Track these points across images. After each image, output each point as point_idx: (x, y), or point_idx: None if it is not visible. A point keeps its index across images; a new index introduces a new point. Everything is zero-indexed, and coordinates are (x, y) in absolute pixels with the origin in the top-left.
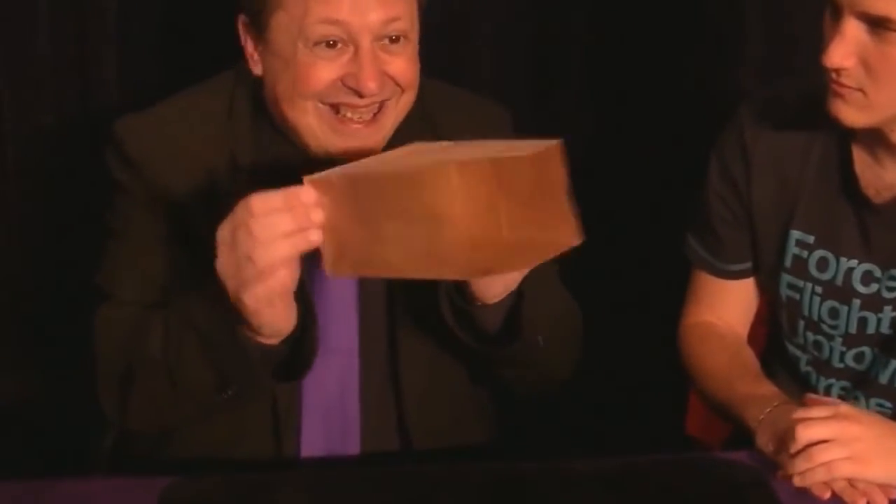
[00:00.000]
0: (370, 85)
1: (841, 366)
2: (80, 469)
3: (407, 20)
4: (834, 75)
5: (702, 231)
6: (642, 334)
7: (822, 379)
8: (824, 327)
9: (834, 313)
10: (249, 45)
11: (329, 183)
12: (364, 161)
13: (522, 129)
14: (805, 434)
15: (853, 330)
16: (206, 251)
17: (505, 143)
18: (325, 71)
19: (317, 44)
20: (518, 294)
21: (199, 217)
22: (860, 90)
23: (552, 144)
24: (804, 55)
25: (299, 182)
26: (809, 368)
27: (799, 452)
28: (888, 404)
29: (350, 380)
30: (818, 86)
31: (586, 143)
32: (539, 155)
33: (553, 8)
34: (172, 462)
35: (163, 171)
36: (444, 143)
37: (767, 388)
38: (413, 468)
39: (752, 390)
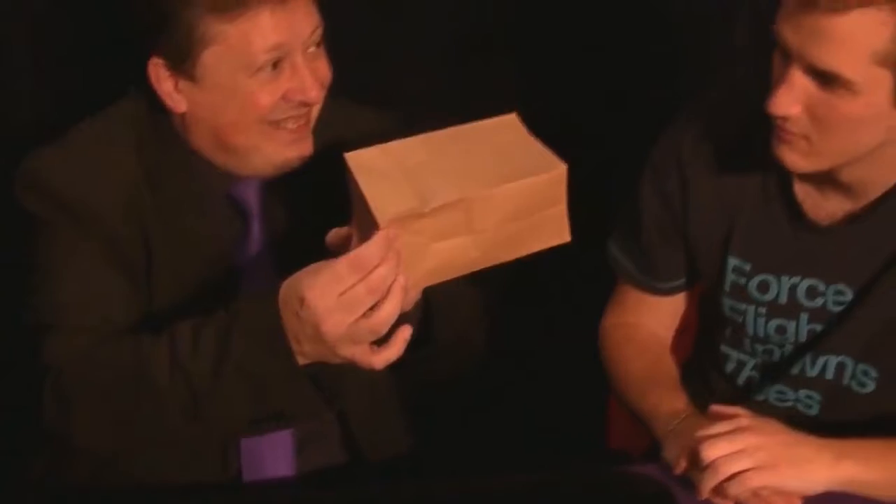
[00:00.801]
0: (313, 94)
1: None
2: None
3: (321, 25)
4: (779, 121)
5: (630, 247)
6: (567, 340)
7: (746, 370)
8: (773, 341)
9: (781, 329)
10: (167, 85)
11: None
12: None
13: None
14: (710, 451)
15: (803, 340)
16: (145, 274)
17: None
18: (270, 93)
19: (260, 69)
20: (425, 301)
21: (128, 239)
22: (805, 137)
23: (557, 171)
24: None
25: (218, 201)
26: (753, 373)
27: (706, 468)
28: (816, 395)
29: None
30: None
31: None
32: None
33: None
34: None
35: (85, 196)
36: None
37: (678, 401)
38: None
39: (663, 401)
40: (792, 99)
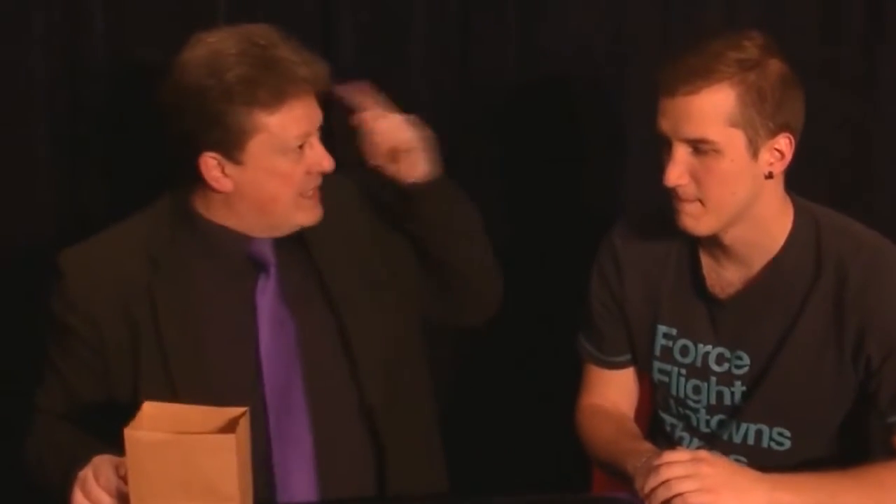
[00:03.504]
0: (328, 164)
1: (707, 430)
2: None
3: None
4: (674, 193)
5: (588, 330)
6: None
7: (695, 441)
8: (690, 402)
9: (696, 390)
10: (216, 172)
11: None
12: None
13: None
14: (666, 471)
15: (713, 401)
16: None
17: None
18: (298, 169)
19: (292, 150)
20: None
21: (120, 337)
22: (696, 201)
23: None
24: None
25: (219, 275)
26: (684, 434)
27: (661, 485)
28: (743, 459)
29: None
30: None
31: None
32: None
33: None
34: None
35: (90, 301)
36: None
37: (645, 445)
38: None
39: (632, 446)
40: (679, 171)
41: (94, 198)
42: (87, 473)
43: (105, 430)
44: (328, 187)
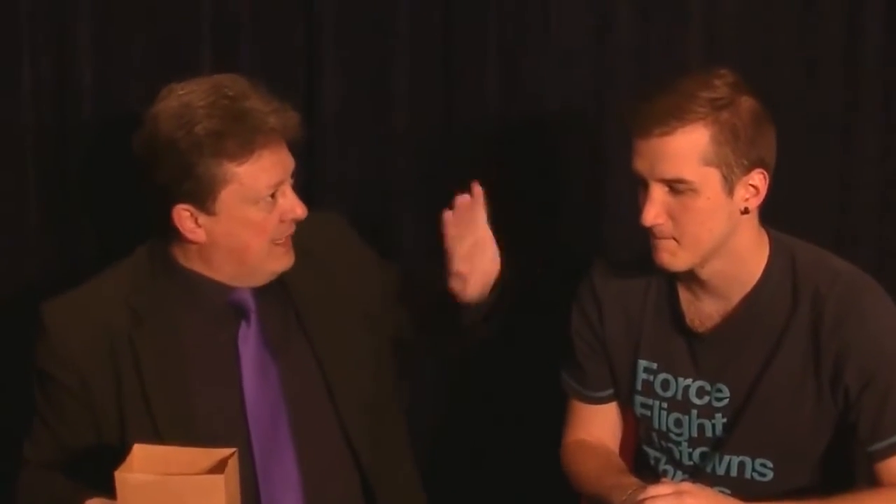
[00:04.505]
0: (301, 211)
1: (690, 463)
2: None
3: None
4: (652, 231)
5: (571, 366)
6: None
7: (679, 473)
8: (672, 435)
9: (678, 423)
10: (189, 224)
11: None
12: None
13: None
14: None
15: (694, 434)
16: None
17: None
18: (271, 218)
19: (264, 200)
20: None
21: (104, 386)
22: (673, 239)
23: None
24: None
25: (202, 318)
26: (668, 467)
27: None
28: (727, 490)
29: (285, 456)
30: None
31: None
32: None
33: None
34: None
35: (72, 352)
36: None
37: (630, 479)
38: None
39: (618, 481)
40: (656, 211)
41: (83, 249)
42: None
43: (94, 477)
44: (314, 225)
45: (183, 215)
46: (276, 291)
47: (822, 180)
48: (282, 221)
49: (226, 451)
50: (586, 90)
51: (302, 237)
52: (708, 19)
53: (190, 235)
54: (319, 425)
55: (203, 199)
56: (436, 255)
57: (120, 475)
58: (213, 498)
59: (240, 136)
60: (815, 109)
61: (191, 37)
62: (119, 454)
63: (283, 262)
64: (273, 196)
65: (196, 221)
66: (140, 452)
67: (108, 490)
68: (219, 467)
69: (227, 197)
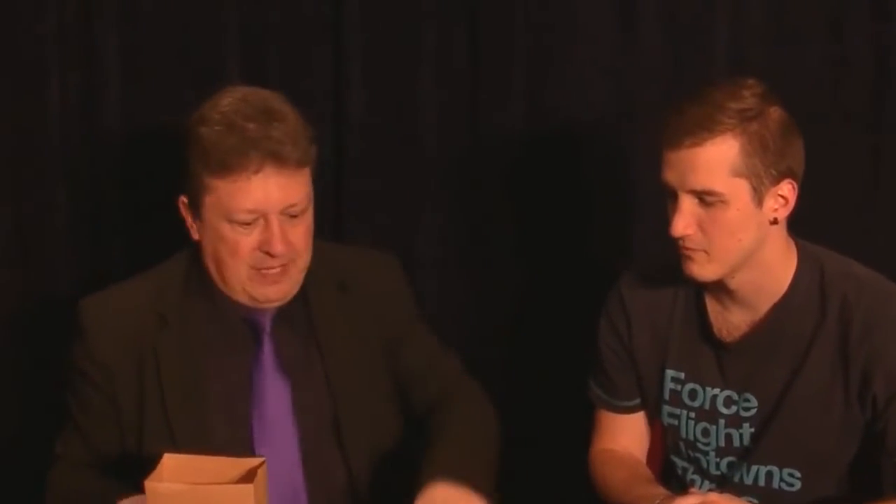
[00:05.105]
0: (279, 247)
1: (717, 473)
2: None
3: (303, 202)
4: (681, 242)
5: (598, 376)
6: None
7: (706, 483)
8: (699, 445)
9: (706, 432)
10: (188, 219)
11: None
12: None
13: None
14: None
15: (722, 444)
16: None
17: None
18: (246, 242)
19: (237, 223)
20: None
21: (129, 389)
22: (702, 250)
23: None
24: None
25: (222, 332)
26: (695, 476)
27: None
28: (755, 500)
29: (295, 477)
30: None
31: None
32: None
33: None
34: None
35: (105, 349)
36: None
37: (657, 489)
38: None
39: (645, 491)
40: (686, 222)
41: (111, 263)
42: None
43: (119, 476)
44: (363, 261)
45: (182, 207)
46: (299, 316)
47: (850, 188)
48: (259, 250)
49: (255, 461)
50: (613, 101)
51: (344, 270)
52: (734, 29)
53: (191, 231)
54: (326, 458)
55: (194, 197)
56: (460, 266)
57: (150, 484)
58: None
59: (227, 152)
60: (843, 114)
61: (217, 50)
62: (137, 459)
63: (270, 291)
64: (253, 223)
65: (192, 219)
66: (170, 462)
67: (135, 490)
68: (248, 477)
69: (209, 204)
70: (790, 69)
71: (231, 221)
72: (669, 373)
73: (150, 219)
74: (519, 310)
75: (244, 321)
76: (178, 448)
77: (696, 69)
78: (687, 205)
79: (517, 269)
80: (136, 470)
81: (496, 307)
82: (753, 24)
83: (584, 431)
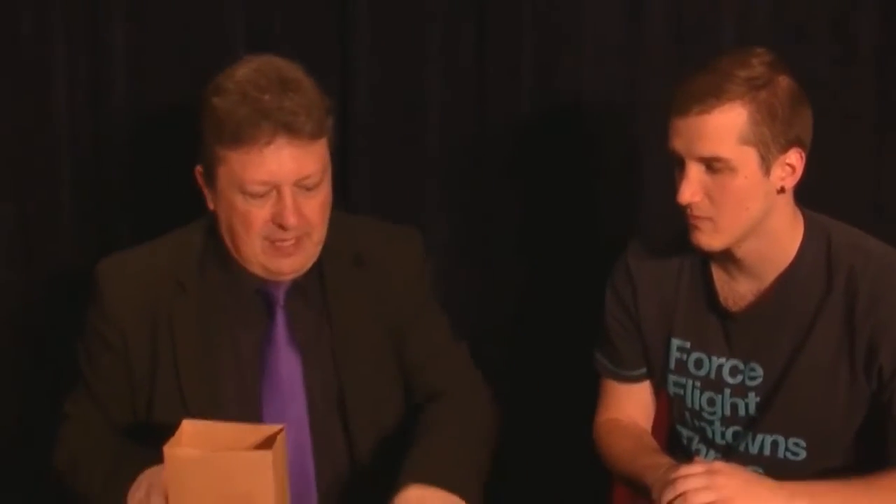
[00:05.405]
0: (291, 220)
1: (722, 442)
2: None
3: (318, 174)
4: (688, 210)
5: (604, 346)
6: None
7: (712, 452)
8: (705, 414)
9: (711, 402)
10: (205, 189)
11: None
12: None
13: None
14: (682, 483)
15: (727, 413)
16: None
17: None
18: (259, 214)
19: (250, 194)
20: None
21: (142, 353)
22: (709, 218)
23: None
24: None
25: (237, 302)
26: (700, 446)
27: (677, 497)
28: (760, 469)
29: (304, 450)
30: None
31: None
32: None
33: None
34: None
35: (120, 310)
36: None
37: (663, 458)
38: None
39: (650, 460)
40: (693, 189)
41: (118, 240)
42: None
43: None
44: (381, 235)
45: (198, 177)
46: (314, 290)
47: (856, 178)
48: (272, 222)
49: (274, 428)
50: (620, 99)
51: (362, 243)
52: (740, 28)
53: (207, 199)
54: (332, 433)
55: (208, 168)
56: (468, 255)
57: (169, 450)
58: (261, 474)
59: (239, 123)
60: (849, 102)
61: (223, 49)
62: (147, 422)
63: (283, 263)
64: (266, 195)
65: (207, 187)
66: (188, 428)
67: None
68: (266, 443)
69: (222, 175)
70: (794, 68)
71: (244, 193)
72: (675, 342)
73: (155, 217)
74: (523, 309)
75: (258, 293)
76: (189, 414)
77: (705, 46)
78: (694, 172)
79: (523, 268)
80: (146, 434)
81: (501, 306)
82: (758, 23)
83: (589, 402)
